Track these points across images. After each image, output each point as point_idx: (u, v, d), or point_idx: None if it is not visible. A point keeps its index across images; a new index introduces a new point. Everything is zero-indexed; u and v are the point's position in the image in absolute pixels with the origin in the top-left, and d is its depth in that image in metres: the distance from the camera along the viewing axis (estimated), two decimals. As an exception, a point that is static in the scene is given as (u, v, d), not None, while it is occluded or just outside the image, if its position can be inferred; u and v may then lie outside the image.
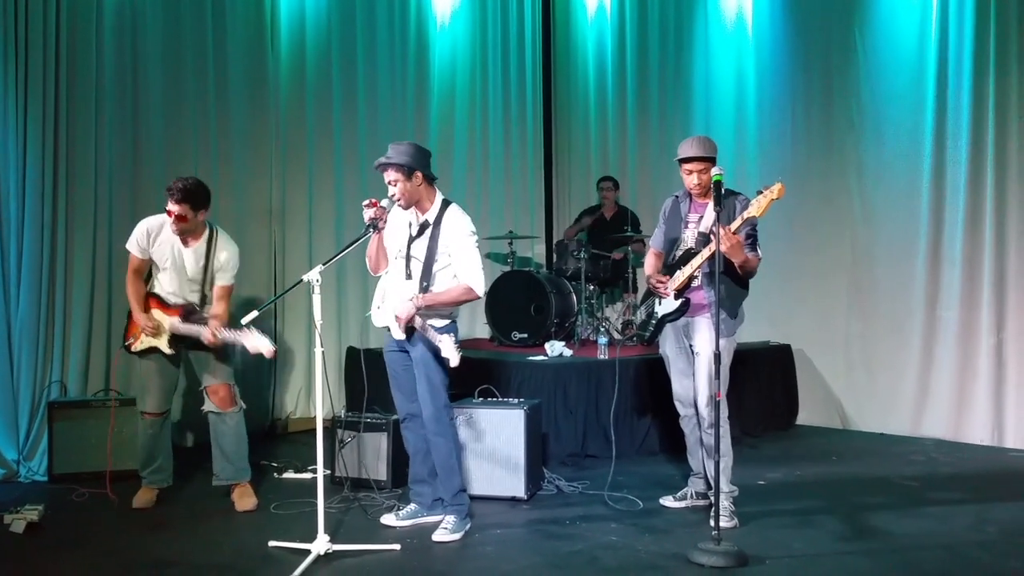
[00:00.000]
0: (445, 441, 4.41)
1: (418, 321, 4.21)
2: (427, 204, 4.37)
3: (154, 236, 4.81)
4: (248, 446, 5.06)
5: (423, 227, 4.36)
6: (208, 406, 4.94)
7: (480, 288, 4.32)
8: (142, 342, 4.87)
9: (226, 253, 4.89)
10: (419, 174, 4.27)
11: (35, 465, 5.62)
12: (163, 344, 4.84)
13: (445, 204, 4.39)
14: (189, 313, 4.84)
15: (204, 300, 4.92)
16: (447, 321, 4.37)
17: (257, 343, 4.35)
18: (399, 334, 4.33)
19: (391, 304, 4.34)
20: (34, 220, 5.74)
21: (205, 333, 4.65)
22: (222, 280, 4.90)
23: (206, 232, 4.88)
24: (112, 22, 6.23)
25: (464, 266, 4.30)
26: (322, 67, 7.54)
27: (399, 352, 4.44)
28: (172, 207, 4.69)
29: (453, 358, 4.06)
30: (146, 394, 4.96)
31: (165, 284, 4.88)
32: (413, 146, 4.29)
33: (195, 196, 4.72)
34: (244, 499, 4.89)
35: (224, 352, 4.89)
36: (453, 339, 4.12)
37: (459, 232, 4.32)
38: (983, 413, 6.37)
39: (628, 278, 7.98)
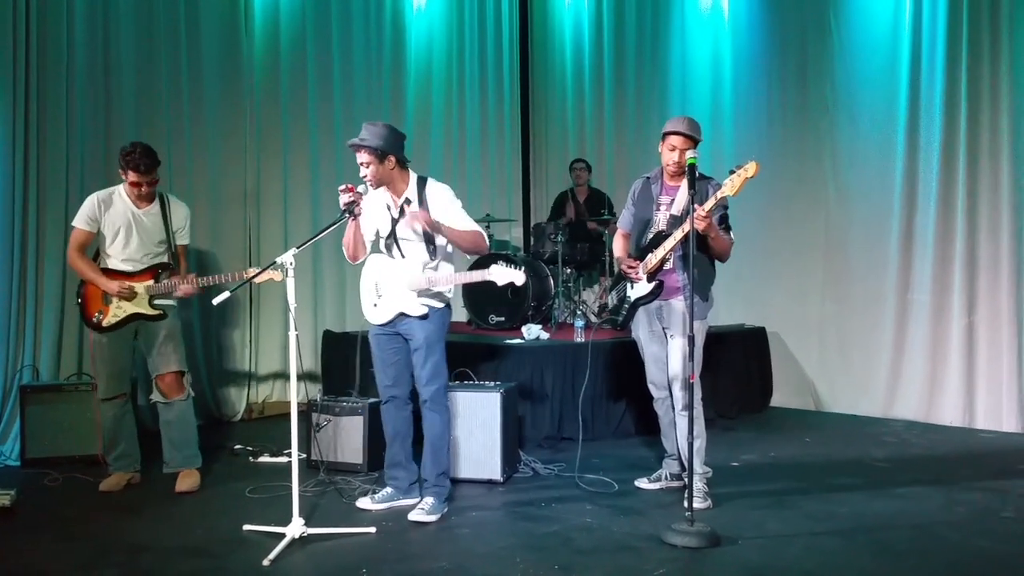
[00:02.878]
0: (441, 419, 4.43)
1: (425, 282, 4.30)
2: (401, 185, 4.35)
3: (105, 207, 4.83)
4: (198, 434, 5.09)
5: (406, 203, 4.34)
6: (155, 395, 4.98)
7: (484, 238, 4.41)
8: (114, 314, 4.82)
9: (182, 210, 5.02)
10: (392, 158, 4.24)
11: (7, 450, 5.57)
12: (143, 306, 4.84)
13: (422, 180, 4.39)
14: (161, 273, 4.90)
15: (174, 258, 4.98)
16: (442, 305, 4.38)
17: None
18: (420, 310, 4.32)
19: (393, 290, 4.34)
20: (5, 203, 5.68)
21: (183, 287, 4.78)
22: (183, 240, 5.02)
23: (155, 195, 4.96)
24: (83, 4, 6.13)
25: (460, 223, 4.34)
26: (296, 50, 7.48)
27: (389, 335, 4.43)
28: (141, 177, 4.74)
29: (509, 277, 4.16)
30: (99, 378, 4.92)
31: (122, 254, 4.84)
32: (388, 128, 4.25)
33: (155, 157, 4.80)
34: (184, 480, 4.89)
35: (175, 338, 4.95)
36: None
37: (447, 200, 4.35)
38: (954, 395, 6.45)
39: (605, 261, 7.99)
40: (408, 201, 4.32)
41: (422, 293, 4.33)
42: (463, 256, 4.56)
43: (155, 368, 4.93)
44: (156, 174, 4.83)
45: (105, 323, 4.83)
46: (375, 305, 4.42)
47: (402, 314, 4.35)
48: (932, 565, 3.69)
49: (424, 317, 4.33)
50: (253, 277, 4.53)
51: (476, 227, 4.38)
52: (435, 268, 4.37)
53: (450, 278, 4.36)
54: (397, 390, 4.49)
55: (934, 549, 3.86)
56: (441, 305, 4.40)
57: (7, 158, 5.67)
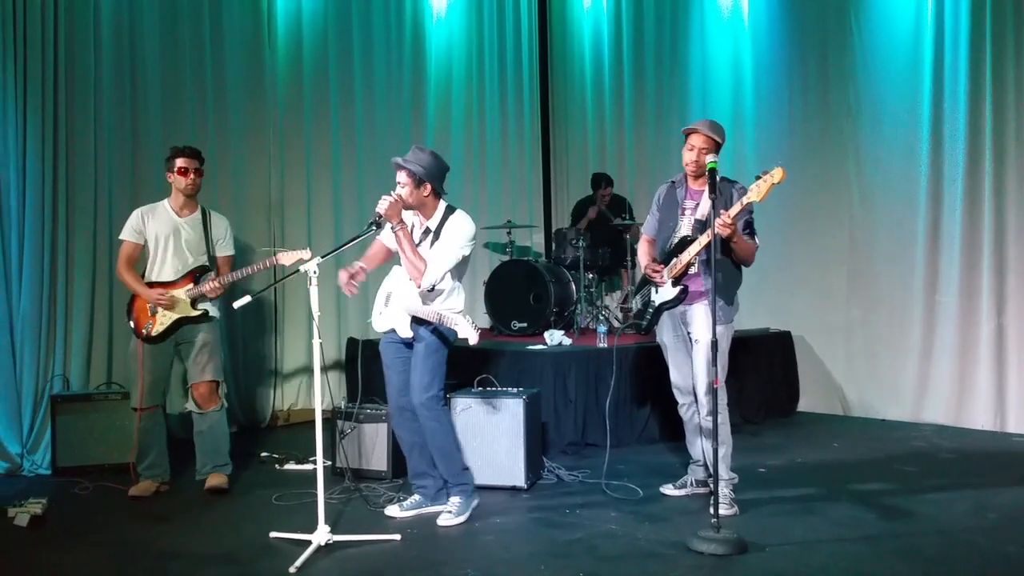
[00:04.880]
0: (440, 426, 4.44)
1: (429, 311, 4.27)
2: (430, 211, 4.40)
3: (149, 218, 5.02)
4: (229, 442, 5.18)
5: (425, 234, 4.40)
6: (190, 405, 5.09)
7: (428, 279, 4.25)
8: (160, 323, 4.92)
9: (223, 222, 5.19)
10: (428, 186, 4.30)
11: (39, 458, 5.63)
12: (186, 310, 4.96)
13: (449, 211, 4.41)
14: (200, 275, 5.02)
15: (212, 263, 5.11)
16: (448, 326, 4.37)
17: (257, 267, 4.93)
18: (406, 332, 4.35)
19: (396, 303, 4.39)
20: (35, 214, 5.75)
21: (210, 284, 4.92)
22: (226, 251, 5.16)
23: (197, 205, 5.14)
24: (110, 19, 6.23)
25: (434, 255, 4.30)
26: (319, 60, 7.55)
27: (397, 344, 4.46)
28: (188, 161, 4.99)
29: (472, 337, 4.09)
30: (135, 389, 4.99)
31: (164, 263, 4.99)
32: (433, 157, 4.32)
33: (200, 154, 5.09)
34: (214, 477, 5.02)
35: (213, 348, 5.03)
36: (469, 320, 4.14)
37: (452, 233, 4.35)
38: (984, 398, 6.37)
39: (627, 265, 7.98)
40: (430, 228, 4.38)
41: (421, 314, 4.34)
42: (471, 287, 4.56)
43: (191, 377, 5.05)
44: (201, 167, 5.06)
45: (154, 332, 4.93)
46: (380, 313, 4.50)
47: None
48: (961, 571, 3.66)
49: (423, 328, 4.35)
50: (287, 274, 4.60)
51: (427, 266, 4.25)
52: (433, 296, 4.35)
53: (434, 315, 4.27)
54: (406, 400, 4.48)
55: (963, 555, 3.82)
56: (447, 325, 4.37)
57: (37, 173, 5.75)
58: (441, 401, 4.47)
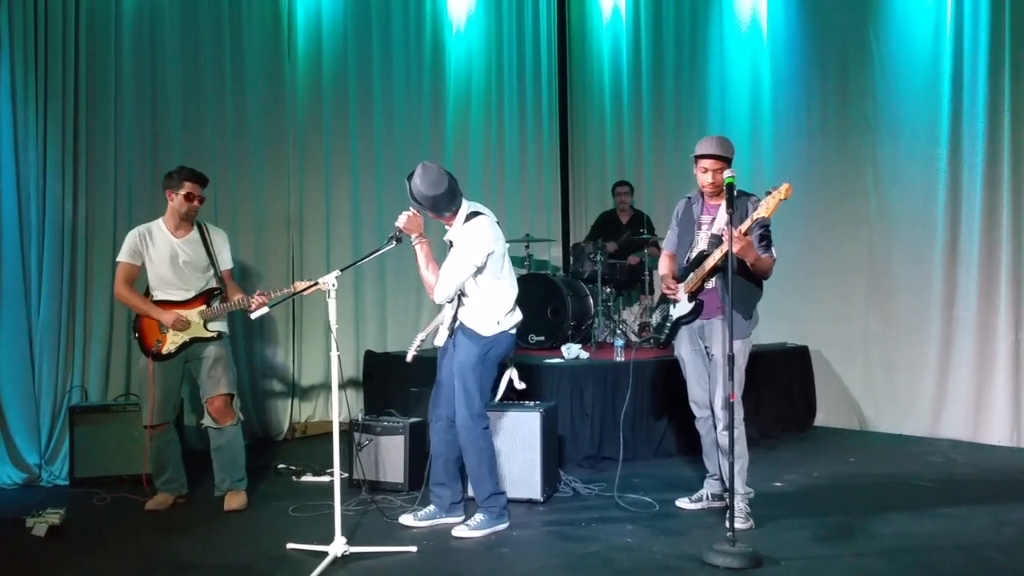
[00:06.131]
0: (476, 451, 4.44)
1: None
2: (450, 223, 4.47)
3: (147, 240, 4.93)
4: (245, 456, 5.14)
5: (450, 246, 4.47)
6: (207, 420, 5.03)
7: (439, 294, 4.36)
8: (172, 341, 4.90)
9: (221, 236, 5.13)
10: (429, 213, 4.38)
11: (57, 469, 5.68)
12: (200, 331, 4.93)
13: (470, 217, 4.44)
14: (213, 298, 4.99)
15: (220, 283, 5.05)
16: (487, 334, 4.41)
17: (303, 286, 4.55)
18: (438, 340, 4.49)
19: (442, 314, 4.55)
20: (55, 226, 5.82)
21: (253, 301, 4.80)
22: (227, 264, 5.11)
23: (193, 224, 5.06)
24: (130, 32, 6.31)
25: (444, 269, 4.39)
26: (338, 73, 7.61)
27: (446, 354, 4.54)
28: (195, 187, 4.92)
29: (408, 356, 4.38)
30: (145, 406, 4.95)
31: (169, 284, 4.92)
32: (431, 189, 4.30)
33: (207, 181, 5.03)
34: (233, 499, 4.97)
35: (225, 361, 5.00)
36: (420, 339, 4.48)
37: (460, 245, 4.40)
38: (1002, 414, 6.32)
39: (645, 281, 7.98)
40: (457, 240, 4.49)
41: (453, 323, 4.44)
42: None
43: (205, 392, 5.00)
44: (204, 192, 5.02)
45: (165, 351, 4.90)
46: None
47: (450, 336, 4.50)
48: (980, 587, 3.64)
49: (464, 339, 4.42)
50: (302, 291, 4.56)
51: (438, 279, 4.36)
52: (465, 302, 4.44)
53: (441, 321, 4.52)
54: (441, 410, 4.54)
55: (980, 571, 3.79)
56: (485, 334, 4.42)
57: (57, 186, 5.83)
58: (481, 422, 4.46)
